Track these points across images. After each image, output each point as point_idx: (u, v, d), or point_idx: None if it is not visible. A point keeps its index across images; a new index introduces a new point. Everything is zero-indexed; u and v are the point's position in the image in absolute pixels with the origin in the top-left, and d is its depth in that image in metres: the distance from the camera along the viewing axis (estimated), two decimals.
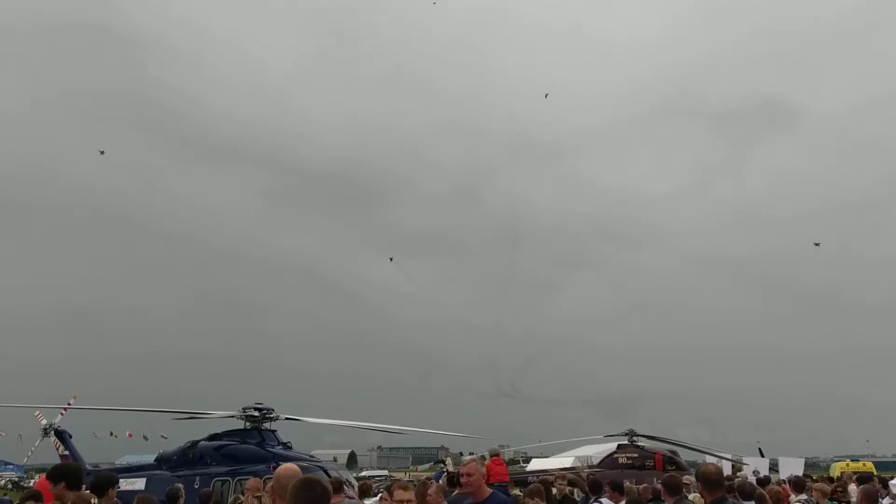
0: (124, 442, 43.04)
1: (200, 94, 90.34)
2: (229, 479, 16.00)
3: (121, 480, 9.46)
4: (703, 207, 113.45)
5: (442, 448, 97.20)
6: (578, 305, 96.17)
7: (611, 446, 25.53)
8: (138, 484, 15.89)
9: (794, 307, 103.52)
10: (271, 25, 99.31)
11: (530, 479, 18.43)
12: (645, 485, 12.19)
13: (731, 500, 6.77)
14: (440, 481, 12.05)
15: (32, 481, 38.69)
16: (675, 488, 6.92)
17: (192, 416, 24.89)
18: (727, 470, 22.72)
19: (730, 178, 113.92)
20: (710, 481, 5.98)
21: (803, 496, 10.49)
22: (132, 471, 18.26)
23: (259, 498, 8.91)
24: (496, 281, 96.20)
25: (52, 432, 30.47)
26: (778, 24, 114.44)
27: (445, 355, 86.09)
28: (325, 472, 13.69)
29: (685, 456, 25.51)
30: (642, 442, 24.30)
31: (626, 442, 24.46)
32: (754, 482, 11.92)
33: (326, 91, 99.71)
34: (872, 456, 70.85)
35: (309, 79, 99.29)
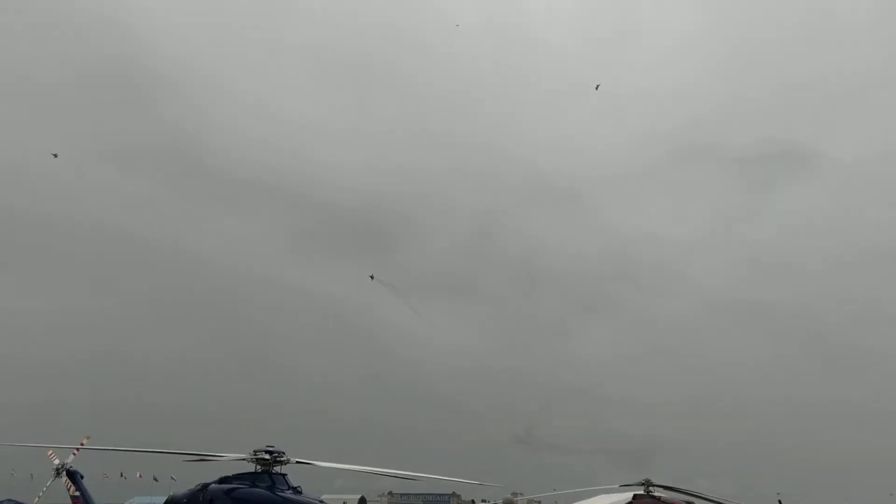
0: (134, 483, 42.81)
1: (225, 141, 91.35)
2: None
3: None
4: (721, 252, 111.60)
5: (454, 495, 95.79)
6: (594, 350, 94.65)
7: (626, 496, 24.93)
8: None
9: (817, 357, 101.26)
10: (293, 76, 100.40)
11: None
12: None
13: None
14: None
15: None
16: None
17: (203, 459, 24.71)
18: None
19: (747, 223, 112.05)
20: None
21: None
22: None
23: None
24: (512, 325, 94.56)
25: (64, 473, 30.39)
26: (797, 74, 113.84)
27: (460, 399, 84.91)
28: None
29: None
30: (659, 492, 23.74)
31: (642, 492, 23.94)
32: None
33: (347, 138, 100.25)
34: None
35: (331, 126, 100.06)
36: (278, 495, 18.71)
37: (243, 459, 28.46)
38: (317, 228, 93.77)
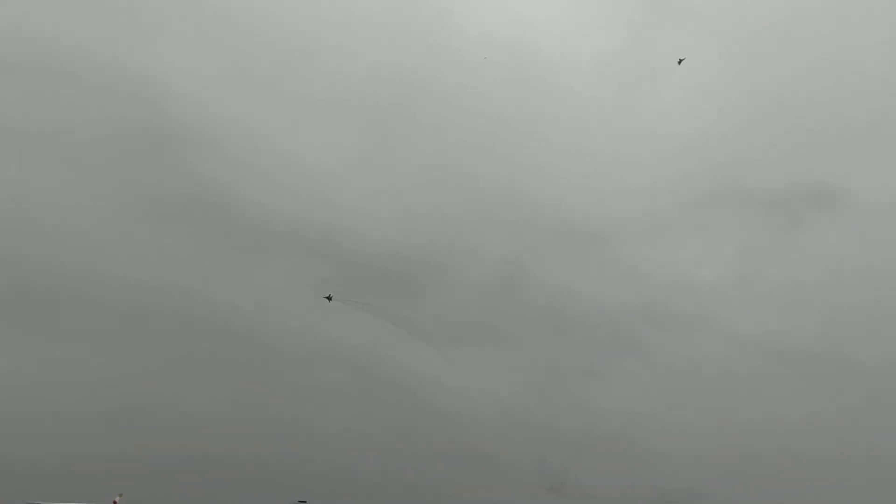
0: None
1: (255, 192, 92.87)
2: None
3: None
4: (751, 294, 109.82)
5: None
6: (626, 396, 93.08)
7: None
8: None
9: (852, 398, 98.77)
10: (321, 125, 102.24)
11: None
12: None
13: None
14: None
15: None
16: None
17: None
18: None
19: (777, 264, 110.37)
20: None
21: None
22: None
23: None
24: (541, 371, 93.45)
25: None
26: (822, 115, 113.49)
27: (489, 448, 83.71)
28: None
29: None
30: None
31: None
32: None
33: (374, 186, 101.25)
34: None
35: (358, 174, 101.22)
36: None
37: None
38: (343, 277, 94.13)
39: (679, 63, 77.64)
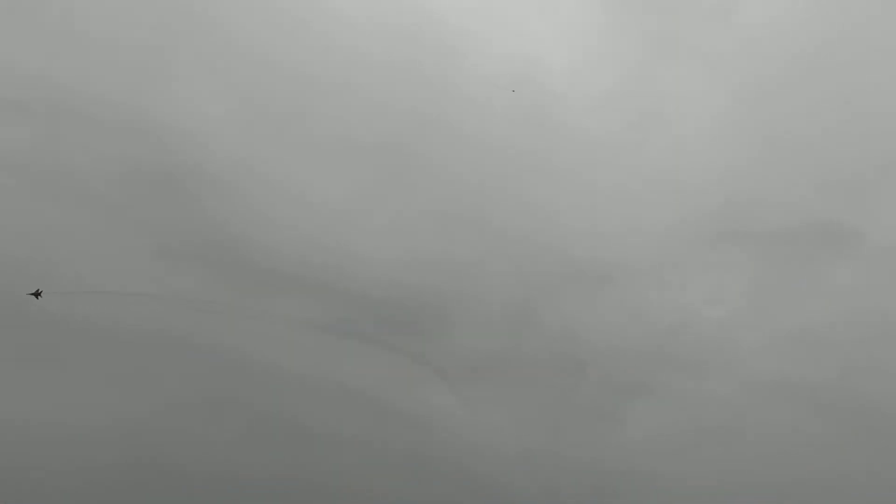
0: None
1: (257, 231, 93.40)
2: None
3: None
4: (764, 331, 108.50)
5: None
6: (639, 435, 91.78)
7: None
8: None
9: (863, 432, 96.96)
10: (331, 167, 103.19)
11: None
12: None
13: None
14: None
15: None
16: None
17: None
18: None
19: (788, 302, 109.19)
20: None
21: None
22: None
23: None
24: (554, 412, 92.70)
25: None
26: (834, 155, 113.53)
27: (506, 489, 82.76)
28: None
29: None
30: None
31: None
32: None
33: (383, 228, 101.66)
34: None
35: (367, 216, 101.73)
36: None
37: None
38: (351, 318, 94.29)
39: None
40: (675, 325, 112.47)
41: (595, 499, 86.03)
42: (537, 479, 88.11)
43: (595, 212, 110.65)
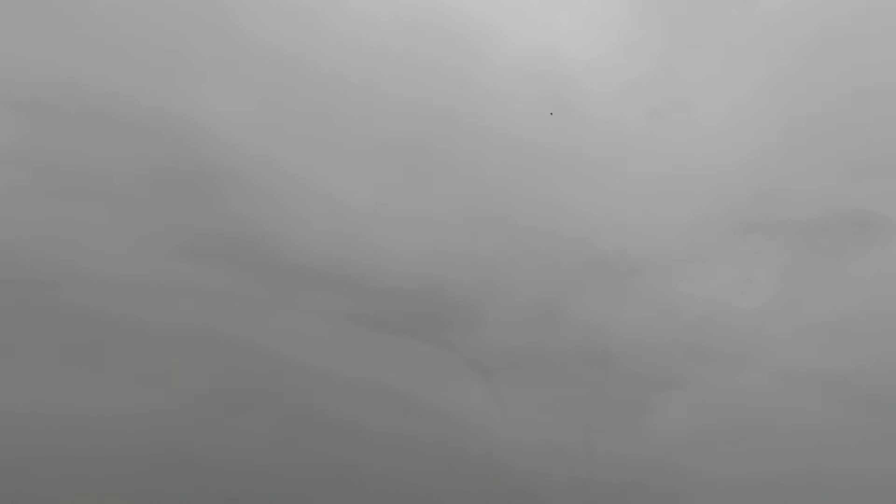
0: None
1: (284, 228, 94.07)
2: None
3: None
4: (794, 320, 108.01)
5: None
6: (671, 428, 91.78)
7: None
8: None
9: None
10: (355, 162, 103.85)
11: None
12: None
13: None
14: None
15: None
16: None
17: None
18: None
19: (820, 293, 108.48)
20: None
21: None
22: None
23: None
24: (581, 406, 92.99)
25: None
26: (862, 141, 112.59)
27: (533, 484, 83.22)
28: None
29: None
30: None
31: None
32: None
33: (408, 223, 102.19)
34: None
35: (392, 211, 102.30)
36: None
37: None
38: (378, 313, 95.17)
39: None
40: (704, 317, 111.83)
41: (626, 490, 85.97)
42: (568, 472, 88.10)
43: (622, 204, 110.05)
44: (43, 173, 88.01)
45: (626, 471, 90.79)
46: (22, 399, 71.98)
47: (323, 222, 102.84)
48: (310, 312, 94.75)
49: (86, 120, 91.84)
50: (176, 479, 71.87)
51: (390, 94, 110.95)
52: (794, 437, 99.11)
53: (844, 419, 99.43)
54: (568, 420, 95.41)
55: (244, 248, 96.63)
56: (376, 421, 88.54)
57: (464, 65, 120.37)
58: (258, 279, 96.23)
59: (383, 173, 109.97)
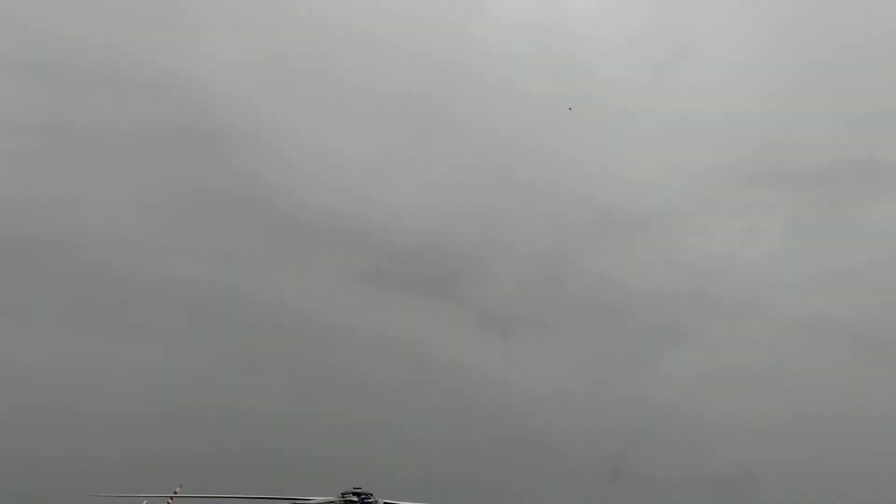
0: None
1: (287, 184, 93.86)
2: None
3: None
4: (800, 274, 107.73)
5: None
6: (677, 380, 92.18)
7: None
8: None
9: None
10: (356, 118, 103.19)
11: None
12: None
13: None
14: None
15: None
16: None
17: (294, 502, 25.09)
18: None
19: (825, 244, 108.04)
20: None
21: None
22: None
23: None
24: (589, 359, 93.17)
25: None
26: (869, 91, 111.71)
27: (543, 438, 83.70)
28: None
29: None
30: None
31: None
32: None
33: (410, 178, 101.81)
34: None
35: (390, 166, 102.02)
36: None
37: (332, 502, 28.75)
38: (381, 269, 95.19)
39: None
40: (710, 268, 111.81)
41: (633, 438, 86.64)
42: (576, 421, 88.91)
43: (626, 157, 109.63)
44: (43, 134, 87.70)
45: (635, 419, 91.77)
46: (35, 357, 72.73)
47: (329, 178, 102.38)
48: (318, 270, 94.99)
49: (84, 79, 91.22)
50: (191, 432, 72.96)
51: (393, 50, 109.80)
52: (799, 385, 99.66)
53: (849, 366, 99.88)
54: (577, 371, 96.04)
55: (250, 206, 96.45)
56: (387, 375, 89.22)
57: (466, 19, 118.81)
58: (266, 236, 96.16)
59: (387, 128, 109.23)
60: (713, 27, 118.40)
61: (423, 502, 23.11)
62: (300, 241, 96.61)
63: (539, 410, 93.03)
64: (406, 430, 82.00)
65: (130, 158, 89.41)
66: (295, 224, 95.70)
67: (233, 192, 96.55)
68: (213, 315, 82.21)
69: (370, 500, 25.82)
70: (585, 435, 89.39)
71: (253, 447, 70.55)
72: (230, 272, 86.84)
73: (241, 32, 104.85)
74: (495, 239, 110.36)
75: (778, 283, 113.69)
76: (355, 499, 25.86)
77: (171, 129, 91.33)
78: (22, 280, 76.07)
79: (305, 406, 79.82)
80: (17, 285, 74.81)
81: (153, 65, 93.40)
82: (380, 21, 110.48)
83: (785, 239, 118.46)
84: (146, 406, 70.99)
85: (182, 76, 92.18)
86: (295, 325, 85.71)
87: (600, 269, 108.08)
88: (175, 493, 30.84)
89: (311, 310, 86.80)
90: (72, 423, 64.91)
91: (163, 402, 71.46)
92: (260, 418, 75.85)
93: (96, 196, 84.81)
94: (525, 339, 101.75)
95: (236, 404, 75.02)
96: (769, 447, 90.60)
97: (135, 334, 77.38)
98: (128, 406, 70.23)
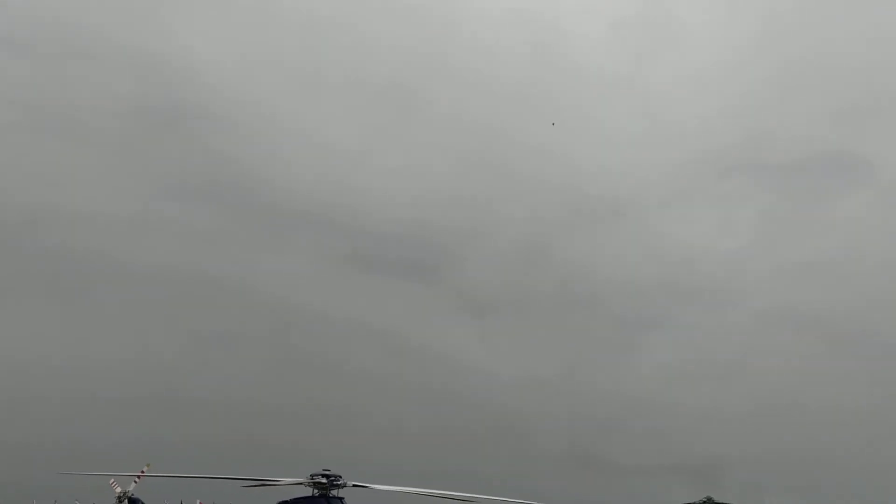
0: None
1: (276, 173, 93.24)
2: None
3: None
4: (774, 261, 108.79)
5: None
6: (650, 368, 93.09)
7: None
8: None
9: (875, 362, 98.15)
10: (338, 106, 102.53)
11: None
12: None
13: None
14: None
15: None
16: None
17: (262, 484, 24.98)
18: None
19: (799, 232, 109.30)
20: None
21: None
22: None
23: None
24: (566, 345, 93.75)
25: (126, 501, 30.98)
26: (850, 86, 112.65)
27: (518, 422, 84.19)
28: None
29: None
30: None
31: None
32: None
33: (390, 167, 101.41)
34: None
35: (372, 153, 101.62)
36: None
37: (301, 484, 28.71)
38: (362, 255, 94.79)
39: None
40: (686, 259, 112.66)
41: (607, 424, 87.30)
42: (550, 408, 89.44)
43: (606, 148, 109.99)
44: (19, 112, 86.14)
45: (610, 408, 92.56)
46: (11, 339, 71.65)
47: (309, 164, 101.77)
48: (297, 254, 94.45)
49: (62, 58, 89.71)
50: (169, 416, 72.47)
51: (375, 38, 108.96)
52: (773, 375, 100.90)
53: (822, 357, 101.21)
54: (553, 359, 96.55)
55: (229, 189, 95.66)
56: (365, 360, 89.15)
57: (450, 9, 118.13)
58: (245, 220, 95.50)
59: (369, 116, 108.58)
60: (694, 21, 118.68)
61: (392, 485, 23.11)
62: (278, 226, 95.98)
63: (513, 396, 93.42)
64: (378, 414, 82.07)
65: (100, 137, 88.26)
66: (273, 209, 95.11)
67: (211, 176, 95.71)
68: (187, 299, 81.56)
69: (339, 482, 25.78)
70: (559, 421, 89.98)
71: (223, 430, 70.13)
72: (208, 256, 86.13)
73: (226, 20, 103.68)
74: (476, 228, 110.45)
75: (752, 273, 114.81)
76: (324, 480, 25.81)
77: (147, 110, 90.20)
78: None
79: (278, 389, 79.55)
80: None
81: (136, 48, 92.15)
82: (363, 9, 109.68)
83: (760, 230, 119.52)
84: (122, 392, 70.32)
85: (160, 57, 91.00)
86: (270, 309, 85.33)
87: (577, 258, 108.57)
88: (142, 472, 30.61)
89: (289, 295, 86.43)
90: (43, 404, 64.25)
91: (140, 387, 70.84)
92: (231, 401, 75.48)
93: (68, 176, 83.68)
94: (501, 325, 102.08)
95: (208, 386, 74.60)
96: (741, 435, 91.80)
97: (109, 318, 76.57)
98: (103, 391, 69.54)
